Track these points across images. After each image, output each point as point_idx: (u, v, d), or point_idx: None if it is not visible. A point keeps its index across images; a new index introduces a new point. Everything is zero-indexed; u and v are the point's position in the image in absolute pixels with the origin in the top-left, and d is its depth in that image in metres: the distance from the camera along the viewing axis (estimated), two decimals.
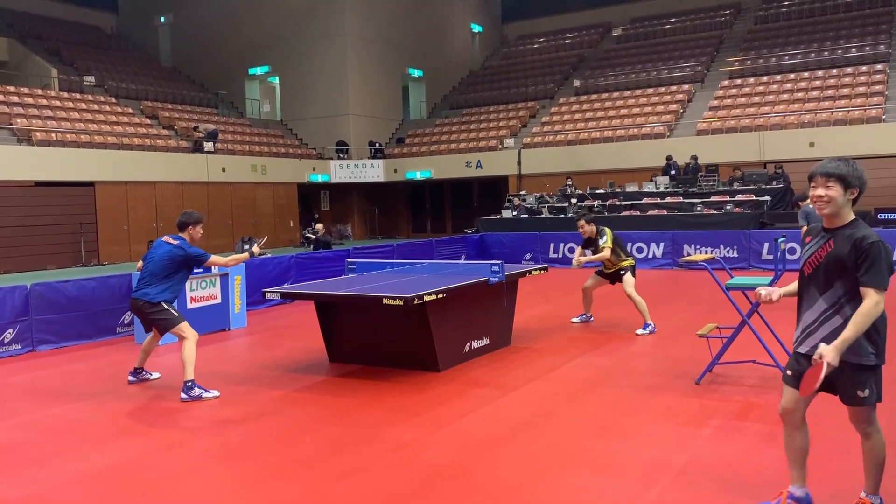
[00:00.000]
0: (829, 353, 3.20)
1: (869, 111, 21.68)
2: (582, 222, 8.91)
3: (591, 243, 8.95)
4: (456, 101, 34.12)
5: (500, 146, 27.77)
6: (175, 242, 6.59)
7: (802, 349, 3.52)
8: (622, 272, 8.77)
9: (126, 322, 9.51)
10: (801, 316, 3.56)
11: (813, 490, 3.76)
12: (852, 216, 3.38)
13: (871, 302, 3.23)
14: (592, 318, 9.38)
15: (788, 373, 3.60)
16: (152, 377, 7.02)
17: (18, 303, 8.52)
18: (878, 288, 3.23)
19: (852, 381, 3.34)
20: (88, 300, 9.17)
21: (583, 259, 8.87)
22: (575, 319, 9.39)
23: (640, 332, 8.50)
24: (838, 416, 4.91)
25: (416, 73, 34.08)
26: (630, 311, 8.96)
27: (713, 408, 5.48)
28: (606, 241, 8.70)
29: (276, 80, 33.03)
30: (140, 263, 6.92)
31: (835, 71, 24.96)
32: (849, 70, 24.69)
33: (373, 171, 29.45)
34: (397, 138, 32.06)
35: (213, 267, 8.55)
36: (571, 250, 16.99)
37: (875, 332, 3.33)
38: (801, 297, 3.56)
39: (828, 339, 3.33)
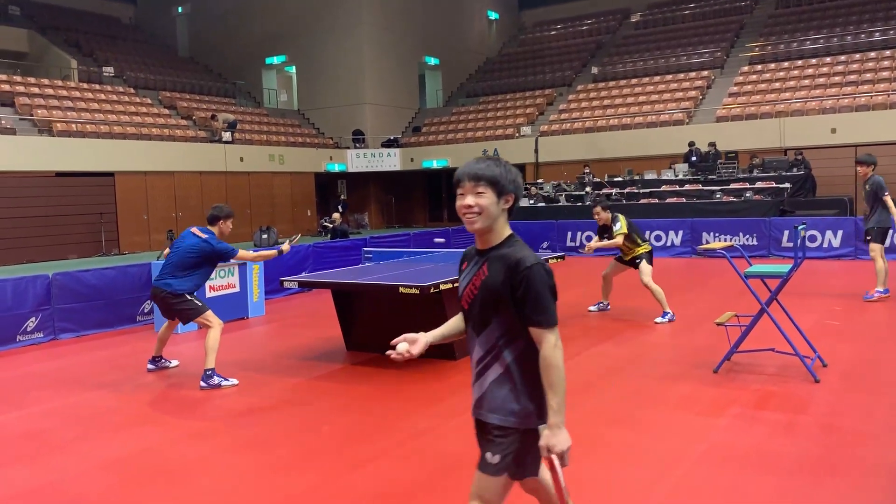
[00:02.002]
0: (549, 441, 2.44)
1: (892, 96, 21.31)
2: (598, 209, 8.86)
3: (606, 230, 8.90)
4: (472, 89, 33.99)
5: (517, 134, 27.67)
6: (203, 236, 6.50)
7: (475, 412, 2.66)
8: (638, 260, 8.69)
9: (146, 311, 9.61)
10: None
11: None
12: (508, 231, 2.60)
13: (550, 345, 2.45)
14: (609, 307, 9.34)
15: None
16: (171, 365, 7.09)
17: (40, 292, 8.64)
18: (550, 325, 2.47)
19: (488, 440, 2.58)
20: (109, 289, 9.27)
21: (595, 245, 8.84)
22: (592, 308, 9.35)
23: (658, 320, 8.44)
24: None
25: (432, 61, 33.97)
26: (647, 299, 8.91)
27: (731, 397, 5.44)
28: (620, 227, 8.62)
29: (293, 69, 33.07)
30: (167, 251, 6.87)
31: (857, 56, 24.55)
32: (872, 55, 24.27)
33: (389, 161, 29.46)
34: (414, 127, 32.02)
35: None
36: (589, 238, 16.85)
37: (535, 388, 2.52)
38: (466, 340, 2.73)
39: (487, 396, 2.56)
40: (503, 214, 2.58)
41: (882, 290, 9.11)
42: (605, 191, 19.38)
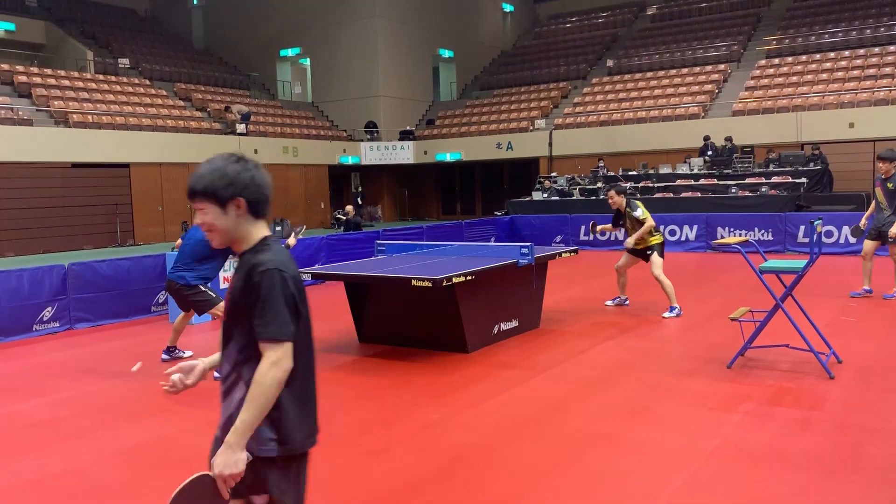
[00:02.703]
0: (216, 458, 2.16)
1: None
2: (612, 192, 8.69)
3: (620, 217, 8.78)
4: (487, 81, 33.90)
5: (531, 127, 27.58)
6: None
7: (220, 432, 2.34)
8: (649, 252, 8.56)
9: (160, 301, 9.67)
10: None
11: None
12: (260, 235, 2.29)
13: (268, 362, 2.14)
14: (628, 301, 9.21)
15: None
16: (185, 356, 7.13)
17: (56, 282, 8.72)
18: (275, 338, 2.15)
19: (247, 479, 2.20)
20: (124, 280, 9.34)
21: (631, 241, 8.61)
22: (609, 302, 9.23)
23: (666, 315, 8.40)
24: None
25: (446, 53, 33.91)
26: (662, 294, 8.88)
27: (744, 392, 5.41)
28: (642, 213, 8.48)
29: (308, 61, 33.11)
30: (178, 242, 6.94)
31: (876, 49, 24.28)
32: (891, 48, 23.97)
33: (403, 153, 29.46)
34: (427, 120, 31.99)
35: None
36: (603, 233, 16.82)
37: (275, 408, 2.19)
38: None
39: (231, 421, 2.22)
40: (243, 219, 2.24)
41: None
42: (620, 183, 19.30)
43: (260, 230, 2.29)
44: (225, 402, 2.33)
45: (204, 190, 2.21)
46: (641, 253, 8.76)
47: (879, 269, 9.81)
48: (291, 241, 7.04)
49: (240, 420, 2.14)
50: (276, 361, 2.15)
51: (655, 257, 8.51)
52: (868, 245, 9.06)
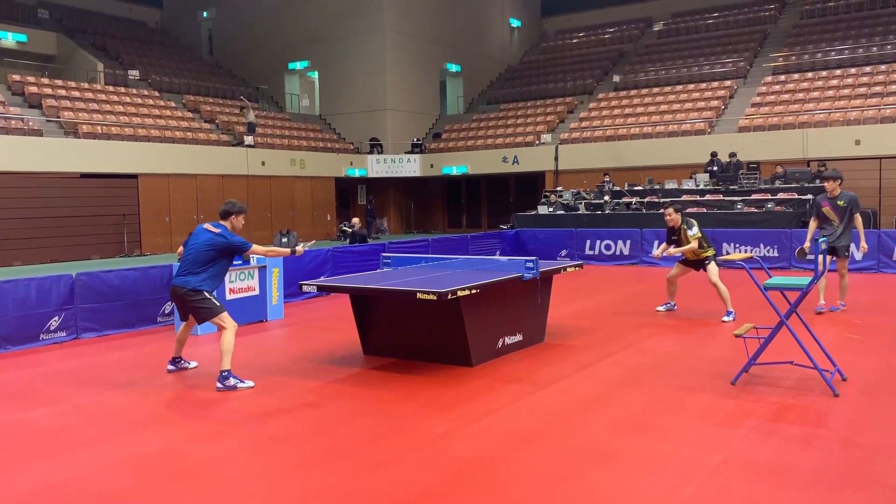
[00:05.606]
0: None
1: None
2: (670, 210, 9.28)
3: (673, 233, 9.29)
4: (493, 96, 34.05)
5: (537, 141, 27.67)
6: (216, 231, 6.54)
7: None
8: (706, 261, 9.15)
9: (167, 312, 9.71)
10: None
11: None
12: None
13: None
14: (676, 307, 9.72)
15: None
16: (190, 366, 7.16)
17: (64, 291, 8.76)
18: None
19: None
20: (131, 290, 9.38)
21: (672, 251, 9.27)
22: (660, 308, 9.75)
23: (725, 319, 8.86)
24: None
25: (453, 68, 34.09)
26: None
27: (749, 408, 5.41)
28: (696, 232, 9.06)
29: (316, 74, 33.34)
30: (181, 249, 6.89)
31: (883, 67, 24.33)
32: None
33: (409, 166, 29.58)
34: (434, 133, 32.13)
35: (252, 257, 8.66)
36: (608, 247, 16.88)
37: None
38: None
39: None
40: None
41: (843, 303, 9.40)
42: (626, 199, 19.32)
43: None
44: None
45: None
46: (696, 264, 9.30)
47: (887, 285, 9.80)
48: (300, 249, 6.99)
49: None
50: None
51: (712, 266, 9.11)
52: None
